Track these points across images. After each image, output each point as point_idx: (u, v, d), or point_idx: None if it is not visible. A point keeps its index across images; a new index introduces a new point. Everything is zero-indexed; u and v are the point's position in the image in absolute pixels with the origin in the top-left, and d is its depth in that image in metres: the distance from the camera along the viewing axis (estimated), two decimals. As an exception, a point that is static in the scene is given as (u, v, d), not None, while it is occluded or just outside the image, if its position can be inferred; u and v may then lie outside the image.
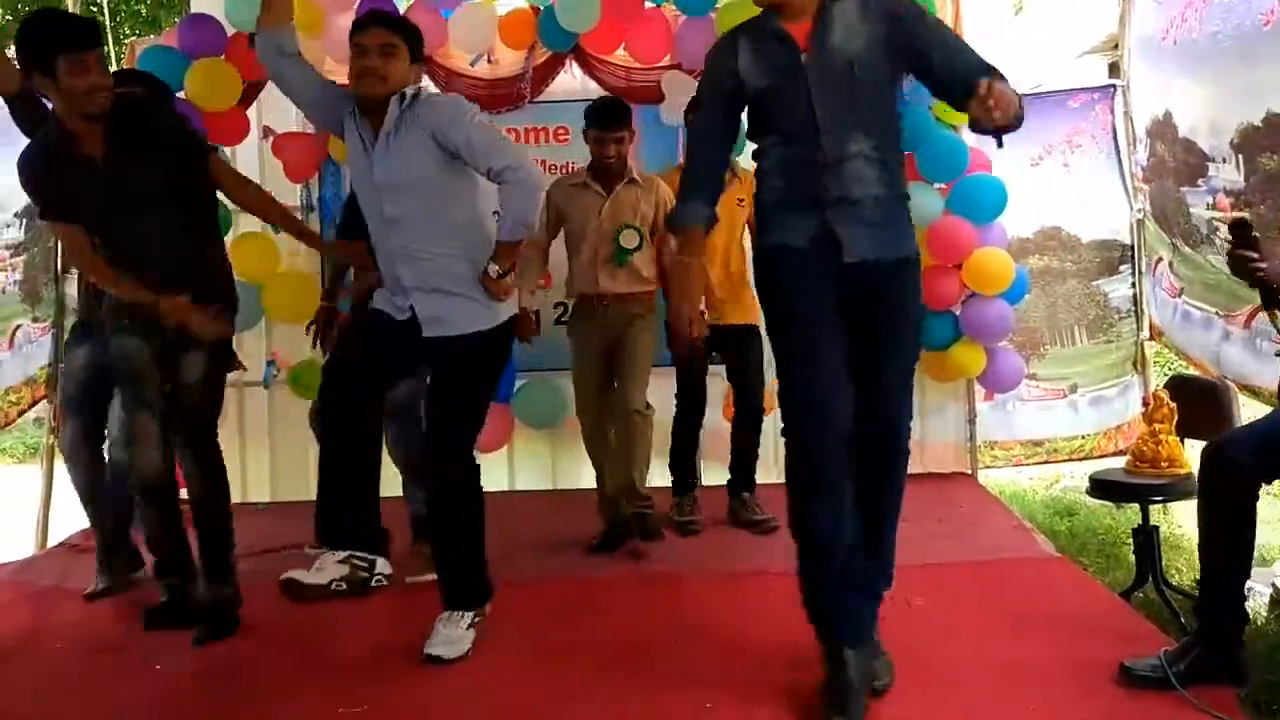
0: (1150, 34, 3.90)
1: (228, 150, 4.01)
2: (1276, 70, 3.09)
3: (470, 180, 2.57)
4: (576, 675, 2.49)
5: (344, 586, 2.60)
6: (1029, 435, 4.48)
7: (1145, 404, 3.50)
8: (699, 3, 3.81)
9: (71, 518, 4.12)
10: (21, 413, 4.29)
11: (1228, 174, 3.44)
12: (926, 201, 3.96)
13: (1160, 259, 4.16)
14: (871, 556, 2.35)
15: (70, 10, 4.25)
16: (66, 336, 3.39)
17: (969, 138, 4.01)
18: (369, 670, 2.56)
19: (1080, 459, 4.46)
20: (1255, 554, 2.33)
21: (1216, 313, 3.71)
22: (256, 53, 2.66)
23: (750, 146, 2.42)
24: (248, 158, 4.25)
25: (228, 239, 3.48)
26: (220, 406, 2.89)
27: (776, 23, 2.25)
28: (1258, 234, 2.19)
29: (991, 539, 3.53)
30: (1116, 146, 4.33)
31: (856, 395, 2.25)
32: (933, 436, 4.40)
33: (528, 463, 4.53)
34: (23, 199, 4.16)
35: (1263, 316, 2.33)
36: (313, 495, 2.74)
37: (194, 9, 4.33)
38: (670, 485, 3.81)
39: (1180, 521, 4.08)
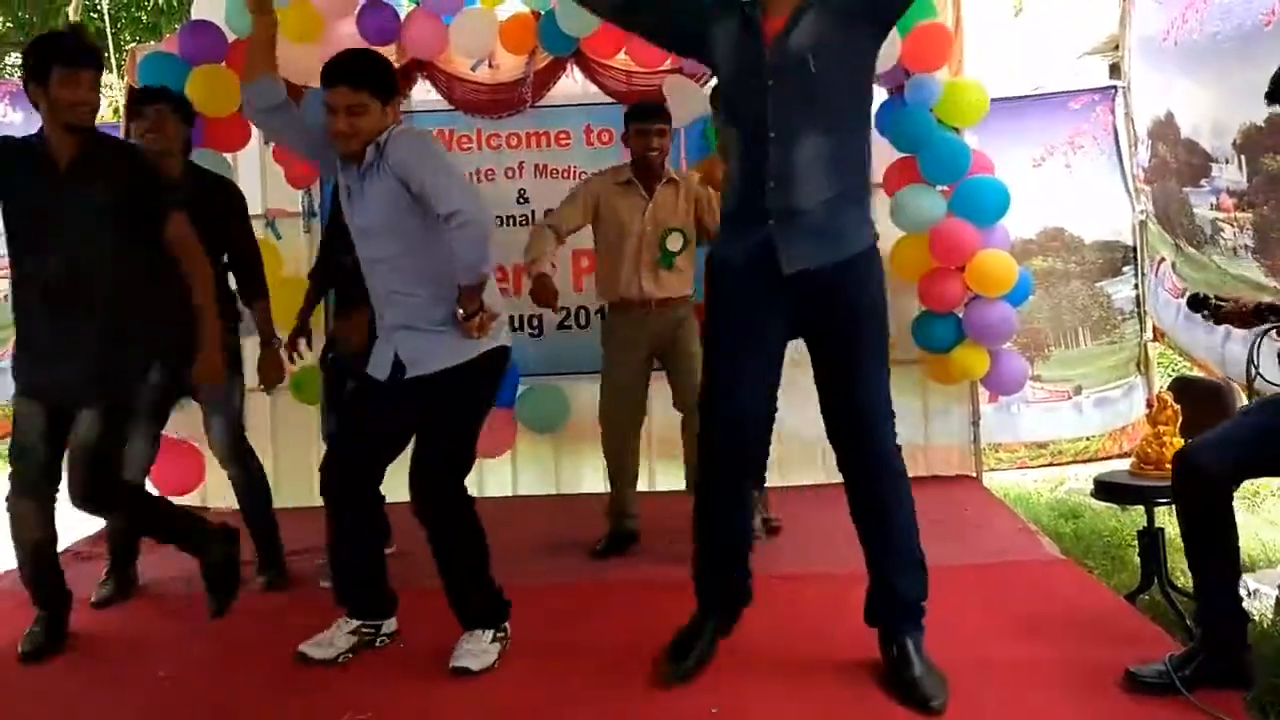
0: (1151, 35, 3.89)
1: (229, 156, 4.02)
2: (1278, 70, 3.09)
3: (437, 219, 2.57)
4: (580, 679, 2.49)
5: (350, 656, 2.65)
6: (1033, 437, 4.48)
7: (1149, 405, 3.49)
8: None
9: (73, 525, 4.13)
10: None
11: (1230, 174, 3.44)
12: (929, 204, 3.96)
13: (1163, 259, 4.16)
14: (894, 571, 2.41)
15: (71, 16, 4.27)
16: None
17: (971, 140, 4.02)
18: (374, 675, 2.56)
19: (1085, 461, 4.45)
20: (1263, 555, 2.33)
21: (1220, 314, 3.70)
22: (246, 108, 2.65)
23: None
24: (249, 164, 4.26)
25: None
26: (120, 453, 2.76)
27: (756, 13, 2.30)
28: (1209, 296, 2.37)
29: (996, 541, 3.52)
30: (1118, 147, 4.33)
31: (831, 405, 2.37)
32: (937, 439, 4.39)
33: (531, 467, 4.53)
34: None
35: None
36: (316, 499, 2.74)
37: (194, 16, 4.34)
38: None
39: (1185, 523, 4.06)
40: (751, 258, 2.31)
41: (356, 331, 3.13)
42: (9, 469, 2.73)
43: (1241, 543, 2.30)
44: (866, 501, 2.40)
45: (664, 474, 4.33)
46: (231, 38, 3.78)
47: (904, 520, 2.41)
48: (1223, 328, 3.65)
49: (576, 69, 4.09)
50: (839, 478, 2.43)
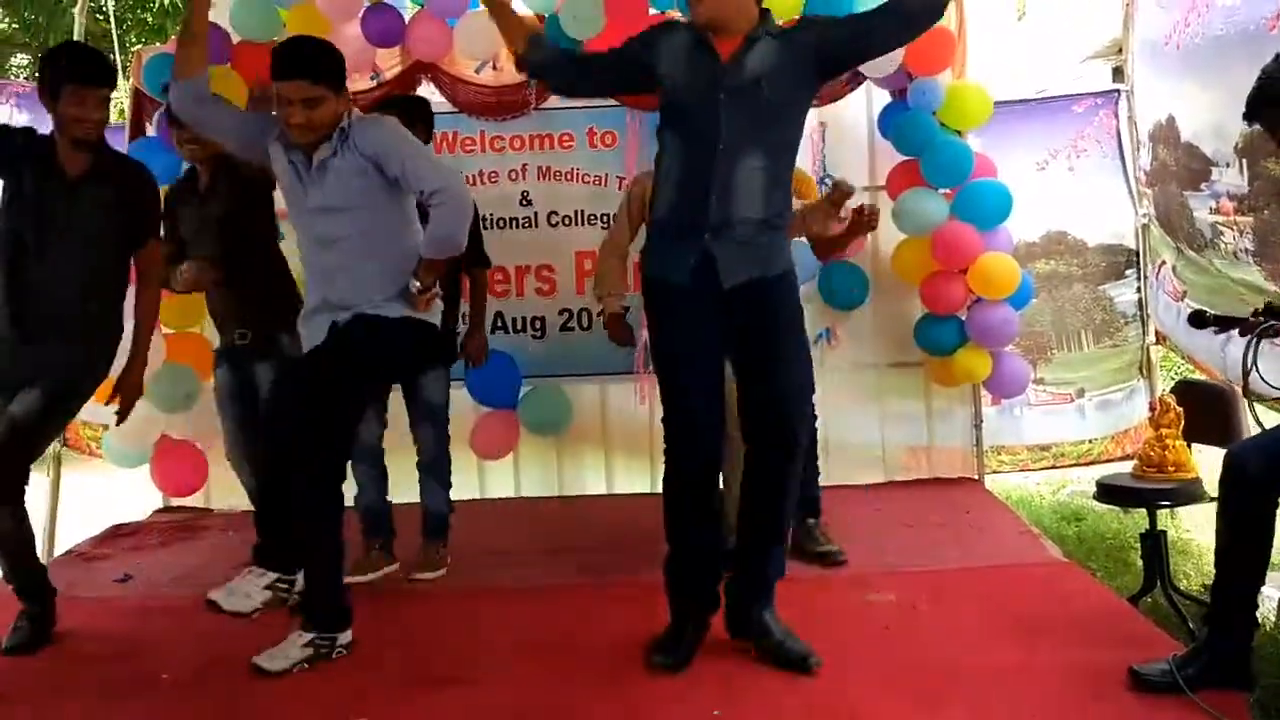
0: (1154, 38, 3.90)
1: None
2: (1281, 74, 3.09)
3: (402, 199, 2.65)
4: (582, 681, 2.49)
5: (305, 666, 2.61)
6: (1036, 440, 4.47)
7: (1152, 408, 3.49)
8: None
9: (77, 526, 4.14)
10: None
11: (1231, 178, 3.44)
12: (931, 207, 3.96)
13: (1163, 262, 4.16)
14: (775, 542, 2.56)
15: (78, 19, 4.29)
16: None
17: (974, 143, 4.02)
18: (374, 676, 2.56)
19: (1087, 464, 4.44)
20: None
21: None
22: (172, 103, 2.73)
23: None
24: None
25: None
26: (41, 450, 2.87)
27: (709, 36, 2.44)
28: (1206, 312, 2.43)
29: (998, 544, 3.52)
30: (1121, 151, 4.33)
31: (753, 403, 2.49)
32: (939, 442, 4.39)
33: (534, 469, 4.52)
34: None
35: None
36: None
37: (200, 18, 4.34)
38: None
39: (1188, 526, 4.07)
40: (692, 273, 2.44)
41: None
42: None
43: None
44: (772, 481, 2.53)
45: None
46: (236, 39, 3.79)
47: (791, 506, 2.59)
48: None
49: (580, 71, 4.09)
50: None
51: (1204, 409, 3.26)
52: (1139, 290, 4.36)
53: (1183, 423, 3.23)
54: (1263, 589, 2.48)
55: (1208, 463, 3.19)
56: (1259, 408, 2.45)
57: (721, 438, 2.58)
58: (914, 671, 2.44)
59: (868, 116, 4.29)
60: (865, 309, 4.25)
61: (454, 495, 3.45)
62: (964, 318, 4.07)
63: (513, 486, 4.51)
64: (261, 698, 2.49)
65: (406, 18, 3.89)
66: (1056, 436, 4.44)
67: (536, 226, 4.37)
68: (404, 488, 3.43)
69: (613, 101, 3.98)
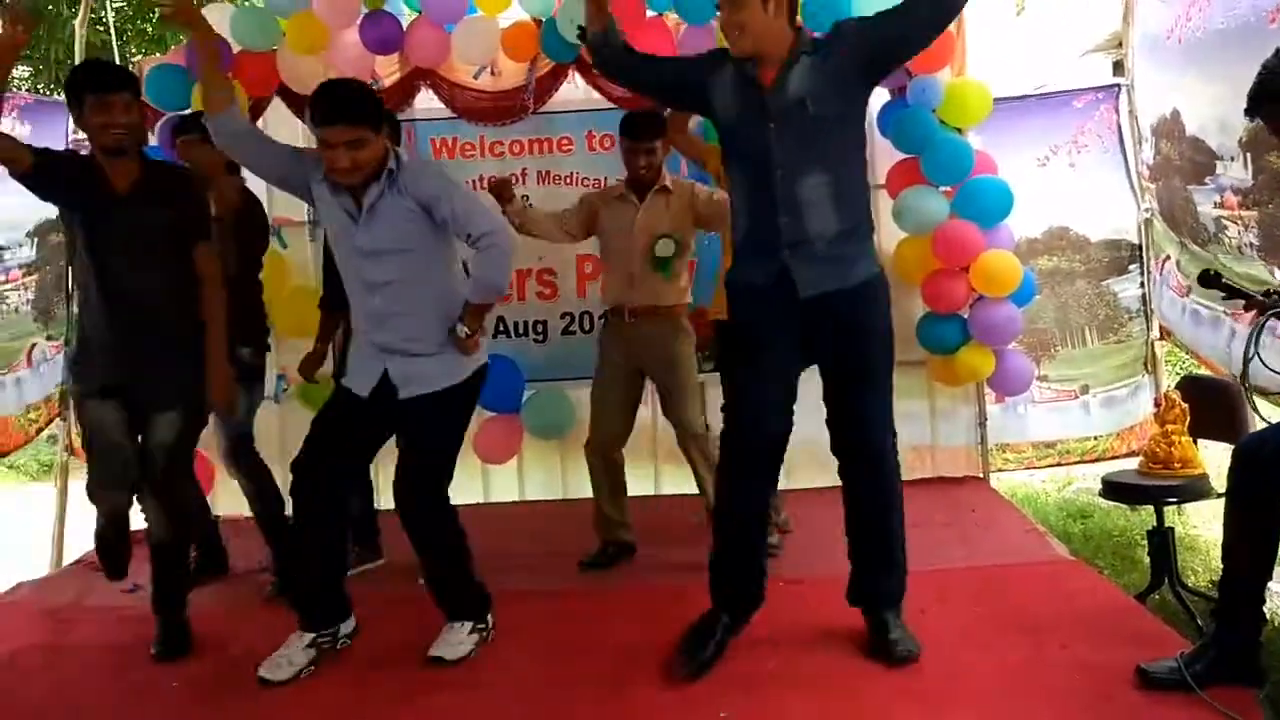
0: (1155, 32, 3.89)
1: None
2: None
3: (447, 242, 2.68)
4: (584, 684, 2.49)
5: (313, 669, 2.65)
6: (1041, 437, 4.46)
7: (1157, 404, 3.48)
8: (700, 10, 3.82)
9: (86, 535, 4.14)
10: (39, 430, 4.31)
11: (1235, 172, 3.43)
12: (932, 205, 3.95)
13: (1167, 257, 4.15)
14: (886, 569, 2.59)
15: (78, 31, 4.30)
16: None
17: (974, 140, 4.01)
18: (375, 676, 2.58)
19: (1093, 460, 4.43)
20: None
21: (1225, 312, 3.68)
22: (214, 138, 2.72)
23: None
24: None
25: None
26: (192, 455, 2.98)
27: (752, 69, 2.51)
28: (1219, 274, 2.46)
29: (1005, 542, 3.51)
30: (1122, 146, 4.32)
31: (839, 418, 2.58)
32: (944, 441, 4.38)
33: (537, 472, 4.53)
34: (34, 219, 4.20)
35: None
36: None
37: (199, 28, 4.35)
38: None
39: (1195, 523, 4.05)
40: (770, 282, 2.51)
41: None
42: (88, 465, 2.87)
43: None
44: (865, 508, 2.59)
45: (670, 477, 4.33)
46: (237, 49, 3.80)
47: (897, 525, 2.61)
48: (1227, 328, 3.66)
49: (578, 75, 4.09)
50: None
51: (1209, 404, 3.25)
52: (1142, 285, 4.34)
53: (1188, 418, 3.22)
54: (1270, 583, 2.47)
55: (1214, 459, 3.18)
56: (1261, 403, 2.44)
57: (785, 437, 2.59)
58: (921, 670, 2.43)
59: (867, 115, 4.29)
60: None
61: (458, 500, 3.42)
62: (966, 316, 4.06)
63: (516, 490, 4.52)
64: (266, 704, 2.51)
65: (404, 25, 3.89)
66: (1061, 434, 4.43)
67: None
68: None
69: (611, 105, 3.98)
